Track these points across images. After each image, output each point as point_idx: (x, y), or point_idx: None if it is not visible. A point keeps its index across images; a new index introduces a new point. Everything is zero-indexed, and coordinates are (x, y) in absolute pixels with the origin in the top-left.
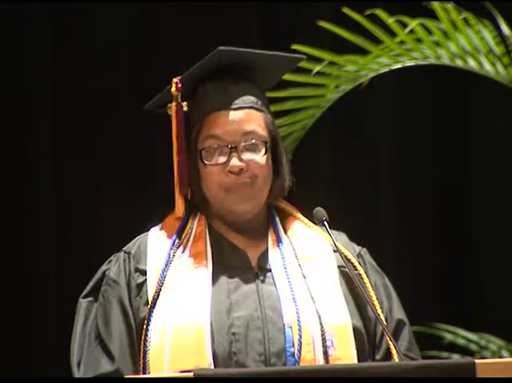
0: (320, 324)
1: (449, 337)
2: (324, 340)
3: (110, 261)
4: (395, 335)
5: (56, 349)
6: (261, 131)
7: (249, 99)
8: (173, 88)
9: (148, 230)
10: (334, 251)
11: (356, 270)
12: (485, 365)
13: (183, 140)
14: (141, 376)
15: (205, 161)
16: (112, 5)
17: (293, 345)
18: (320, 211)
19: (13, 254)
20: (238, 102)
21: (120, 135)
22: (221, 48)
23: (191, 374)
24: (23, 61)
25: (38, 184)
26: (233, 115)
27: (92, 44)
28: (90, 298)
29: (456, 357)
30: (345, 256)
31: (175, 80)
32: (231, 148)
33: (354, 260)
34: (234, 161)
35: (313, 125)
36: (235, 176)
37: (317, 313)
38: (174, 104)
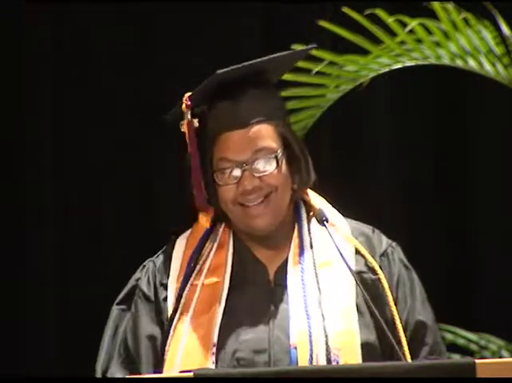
0: (326, 344)
1: (449, 337)
2: (329, 360)
3: (143, 267)
4: (415, 339)
5: (56, 349)
6: (273, 143)
7: (258, 113)
8: (183, 105)
9: (176, 238)
10: (356, 253)
11: (376, 274)
12: (485, 365)
13: (198, 157)
14: (141, 376)
15: (219, 182)
16: (111, 6)
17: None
18: (320, 210)
19: (12, 254)
20: (247, 120)
21: (120, 135)
22: (218, 72)
23: (191, 374)
24: (23, 61)
25: (38, 184)
26: (243, 134)
27: (92, 44)
28: (123, 306)
29: (456, 357)
30: (365, 259)
31: (186, 96)
32: (243, 167)
33: (375, 263)
34: (247, 181)
35: (313, 125)
36: (248, 195)
37: (325, 332)
38: (185, 122)
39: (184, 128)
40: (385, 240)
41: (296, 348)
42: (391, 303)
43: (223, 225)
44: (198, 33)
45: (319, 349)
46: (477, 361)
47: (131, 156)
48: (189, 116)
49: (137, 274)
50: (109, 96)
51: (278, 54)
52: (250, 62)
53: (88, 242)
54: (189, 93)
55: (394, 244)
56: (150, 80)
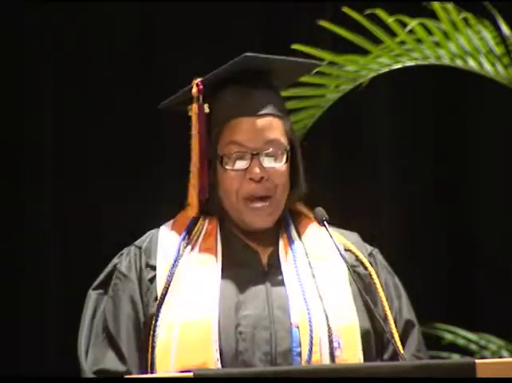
0: (328, 325)
1: (449, 337)
2: (330, 341)
3: (121, 254)
4: (404, 336)
5: (56, 349)
6: (283, 139)
7: (271, 106)
8: (194, 90)
9: (159, 226)
10: (346, 250)
11: (367, 269)
12: (485, 365)
13: (204, 142)
14: (141, 376)
15: (226, 167)
16: (112, 5)
17: (300, 346)
18: (320, 210)
19: (13, 254)
20: (262, 109)
21: (120, 135)
22: (247, 54)
23: (190, 374)
24: (23, 61)
25: (38, 185)
26: (256, 122)
27: (91, 44)
28: (100, 291)
29: (456, 357)
30: (356, 256)
31: (195, 81)
32: (253, 154)
33: (365, 260)
34: (256, 169)
35: (313, 125)
36: (255, 185)
37: (325, 313)
38: (195, 105)
39: (193, 113)
40: (368, 246)
41: (298, 327)
42: (384, 298)
43: (209, 217)
44: (198, 33)
45: (320, 330)
46: (477, 361)
47: (131, 157)
48: (200, 101)
49: (115, 260)
50: (109, 96)
51: (291, 59)
52: (275, 57)
53: (88, 242)
54: (199, 79)
55: (376, 250)
56: (150, 80)
